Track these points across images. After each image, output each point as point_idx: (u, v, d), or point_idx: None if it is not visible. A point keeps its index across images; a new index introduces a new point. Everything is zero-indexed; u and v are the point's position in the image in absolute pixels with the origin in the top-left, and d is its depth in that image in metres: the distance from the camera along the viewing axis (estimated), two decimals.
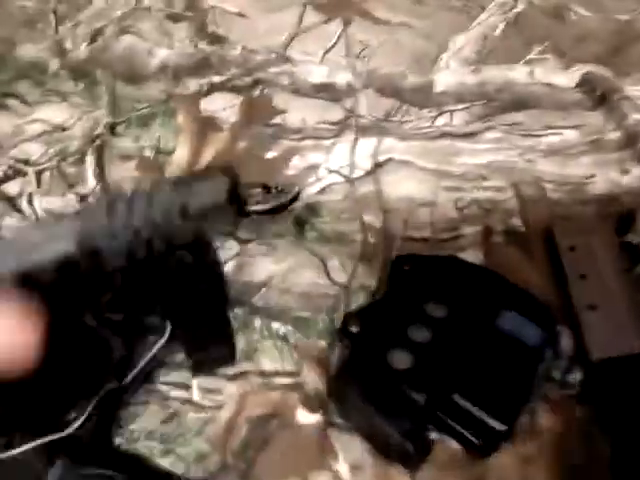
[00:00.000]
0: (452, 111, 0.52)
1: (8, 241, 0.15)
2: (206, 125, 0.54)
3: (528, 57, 0.59)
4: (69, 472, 0.31)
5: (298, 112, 0.54)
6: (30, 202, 0.47)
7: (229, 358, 0.37)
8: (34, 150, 0.51)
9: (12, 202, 0.47)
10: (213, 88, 0.58)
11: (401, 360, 0.34)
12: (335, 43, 0.61)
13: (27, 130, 0.53)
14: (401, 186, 0.46)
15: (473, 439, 0.33)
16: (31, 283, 0.15)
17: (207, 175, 0.17)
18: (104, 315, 0.38)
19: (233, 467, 0.32)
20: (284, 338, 0.37)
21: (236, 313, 0.39)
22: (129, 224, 0.15)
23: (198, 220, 0.16)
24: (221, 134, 0.54)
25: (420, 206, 0.45)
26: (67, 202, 0.46)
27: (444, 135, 0.49)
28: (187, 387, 0.36)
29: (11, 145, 0.52)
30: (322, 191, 0.48)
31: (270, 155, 0.52)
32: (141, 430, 0.34)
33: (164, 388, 0.36)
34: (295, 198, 0.48)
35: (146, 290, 0.40)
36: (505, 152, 0.47)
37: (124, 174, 0.50)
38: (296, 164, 0.51)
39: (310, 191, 0.48)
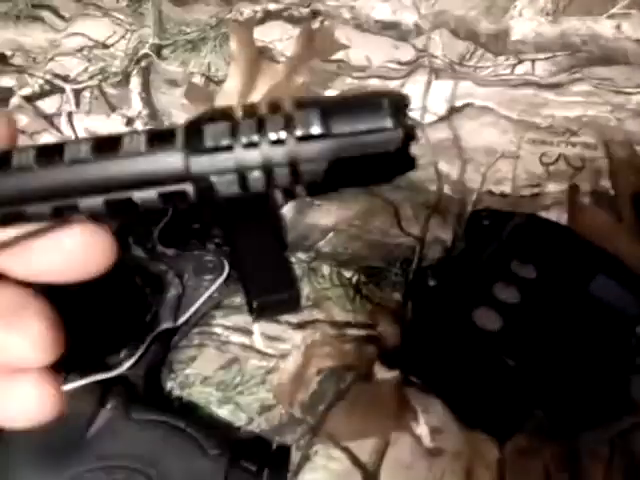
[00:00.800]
0: (533, 60, 0.48)
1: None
2: (260, 55, 0.49)
3: (611, 11, 0.54)
4: (120, 415, 0.28)
5: (362, 49, 0.49)
6: (70, 121, 0.42)
7: (292, 304, 0.33)
8: (72, 66, 0.46)
9: (50, 120, 0.43)
10: (268, 16, 0.52)
11: (489, 320, 0.31)
12: None
13: (64, 44, 0.48)
14: (481, 134, 0.42)
15: (561, 415, 0.30)
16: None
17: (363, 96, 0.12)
18: (156, 249, 0.34)
19: (301, 421, 0.29)
20: (356, 287, 0.34)
21: (299, 257, 0.36)
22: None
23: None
24: (276, 66, 0.49)
25: (501, 158, 0.40)
26: (112, 124, 0.42)
27: (527, 84, 0.45)
28: (248, 332, 0.33)
29: (47, 59, 0.47)
30: None
31: (329, 93, 0.48)
32: (196, 375, 0.31)
33: (222, 332, 0.33)
34: None
35: (200, 223, 0.36)
36: (596, 107, 0.43)
37: (171, 100, 0.45)
38: None
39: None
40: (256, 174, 0.12)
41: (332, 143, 0.12)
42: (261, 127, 0.12)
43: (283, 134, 0.12)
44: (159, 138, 0.12)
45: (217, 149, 0.12)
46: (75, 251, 0.14)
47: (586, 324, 0.32)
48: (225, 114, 0.12)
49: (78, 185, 0.12)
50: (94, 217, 0.13)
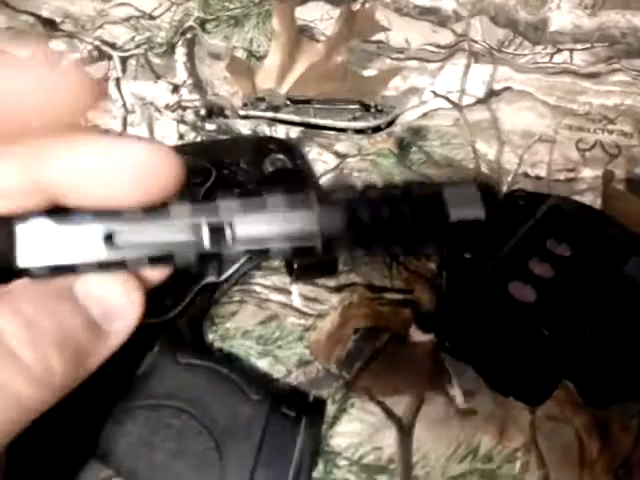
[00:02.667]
0: (571, 50, 0.48)
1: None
2: (301, 34, 0.50)
3: None
4: (167, 357, 0.29)
5: (402, 31, 0.50)
6: (118, 86, 0.43)
7: (330, 268, 0.34)
8: (119, 34, 0.48)
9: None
10: None
11: (524, 293, 0.32)
12: None
13: (112, 13, 0.49)
14: (518, 118, 0.42)
15: (591, 389, 0.31)
16: None
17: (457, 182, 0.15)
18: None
19: (337, 377, 0.30)
20: (393, 254, 0.34)
21: None
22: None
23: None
24: (316, 45, 0.50)
25: (538, 142, 0.41)
26: (159, 90, 0.43)
27: (566, 72, 0.45)
28: (286, 292, 0.34)
29: (95, 27, 0.48)
30: (425, 115, 0.45)
31: (368, 73, 0.48)
32: (236, 329, 0.32)
33: (262, 290, 0.34)
34: (394, 120, 0.45)
35: (241, 188, 0.37)
36: (633, 97, 0.43)
37: (214, 72, 0.46)
38: (396, 85, 0.47)
39: (412, 114, 0.45)
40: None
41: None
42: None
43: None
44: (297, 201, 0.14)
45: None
46: (140, 167, 0.13)
47: (619, 301, 0.33)
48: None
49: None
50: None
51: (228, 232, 0.14)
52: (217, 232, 0.14)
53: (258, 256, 0.14)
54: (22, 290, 0.14)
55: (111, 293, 0.15)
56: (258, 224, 0.14)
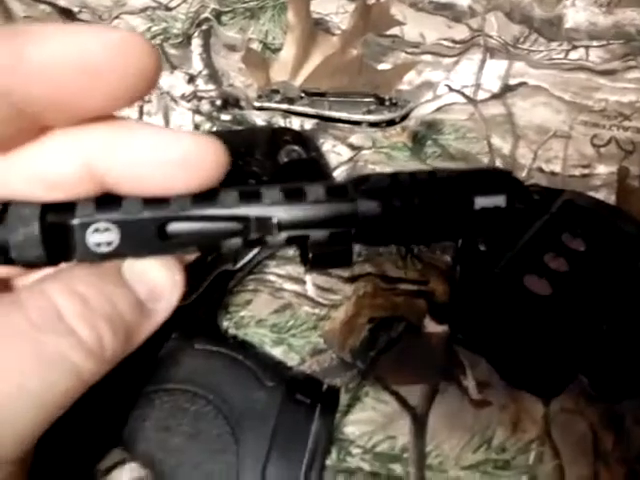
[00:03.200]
0: (587, 47, 0.48)
1: None
2: (316, 27, 0.50)
3: None
4: (184, 344, 0.29)
5: (417, 26, 0.50)
6: None
7: (345, 258, 0.34)
8: (136, 25, 0.48)
9: None
10: None
11: (539, 286, 0.32)
12: None
13: (129, 3, 0.49)
14: (534, 113, 0.42)
15: (605, 383, 0.31)
16: None
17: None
18: None
19: (351, 366, 0.30)
20: (419, 242, 0.34)
21: None
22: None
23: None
24: (331, 38, 0.50)
25: (553, 137, 0.41)
26: (175, 80, 0.43)
27: (581, 69, 0.45)
28: (301, 281, 0.34)
29: (112, 17, 0.48)
30: (440, 109, 0.45)
31: (383, 67, 0.48)
32: (251, 317, 0.32)
33: (276, 280, 0.34)
34: (408, 114, 0.45)
35: (257, 180, 0.37)
36: None
37: (230, 63, 0.47)
38: (411, 79, 0.47)
39: (426, 108, 0.45)
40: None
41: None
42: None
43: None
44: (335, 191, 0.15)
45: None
46: (186, 158, 0.14)
47: (634, 296, 0.33)
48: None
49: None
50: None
51: (274, 220, 0.14)
52: (263, 220, 0.14)
53: (298, 243, 0.15)
54: (76, 270, 0.14)
55: (156, 275, 0.15)
56: (299, 212, 0.14)
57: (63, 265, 0.14)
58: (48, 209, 0.14)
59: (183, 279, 0.16)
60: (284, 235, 0.15)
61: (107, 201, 0.14)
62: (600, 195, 0.40)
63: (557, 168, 0.41)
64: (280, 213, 0.14)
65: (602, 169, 0.41)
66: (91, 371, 0.14)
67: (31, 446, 0.14)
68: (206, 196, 0.14)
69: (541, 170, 0.41)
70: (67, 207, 0.14)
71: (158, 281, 0.15)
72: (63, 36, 0.12)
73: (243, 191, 0.14)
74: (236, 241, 0.14)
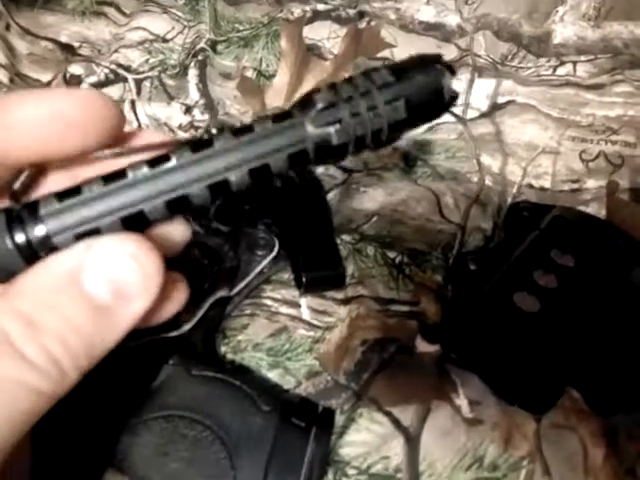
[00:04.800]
0: (574, 62, 0.49)
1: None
2: (309, 53, 0.52)
3: None
4: (181, 370, 0.30)
5: (407, 48, 0.51)
6: (133, 108, 0.45)
7: (338, 280, 0.35)
8: (134, 58, 0.50)
9: None
10: (317, 16, 0.55)
11: (528, 303, 0.32)
12: None
13: (127, 37, 0.51)
14: (522, 130, 0.43)
15: (598, 398, 0.31)
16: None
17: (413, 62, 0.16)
18: (212, 226, 0.37)
19: (346, 388, 0.31)
20: (399, 267, 0.35)
21: (344, 239, 0.38)
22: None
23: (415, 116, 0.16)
24: (324, 63, 0.51)
25: (542, 153, 0.42)
26: (172, 111, 0.44)
27: (569, 84, 0.46)
28: (296, 305, 0.35)
29: (111, 51, 0.50)
30: (430, 129, 0.46)
31: None
32: (248, 341, 0.33)
33: (272, 304, 0.35)
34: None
35: (252, 203, 0.38)
36: (636, 107, 0.44)
37: (225, 92, 0.48)
38: None
39: (418, 128, 0.46)
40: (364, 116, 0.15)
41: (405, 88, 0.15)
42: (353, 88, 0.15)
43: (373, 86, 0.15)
44: (281, 117, 0.15)
45: (326, 108, 0.15)
46: (75, 115, 0.14)
47: (624, 310, 0.33)
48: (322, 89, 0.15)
49: (228, 163, 0.15)
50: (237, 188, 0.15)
51: (232, 177, 0.14)
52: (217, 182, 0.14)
53: (260, 176, 0.15)
54: (21, 288, 0.14)
55: (122, 272, 0.14)
56: (252, 148, 0.15)
57: (12, 282, 0.14)
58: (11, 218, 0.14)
59: (159, 271, 0.14)
60: (244, 169, 0.14)
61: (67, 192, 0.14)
62: (590, 209, 0.40)
63: (547, 184, 0.41)
64: (233, 152, 0.14)
65: (591, 183, 0.41)
66: (52, 389, 0.14)
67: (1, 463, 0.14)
68: (161, 160, 0.14)
69: (531, 186, 0.41)
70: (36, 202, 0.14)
71: (125, 279, 0.14)
72: (37, 99, 0.14)
73: (196, 142, 0.15)
74: (203, 195, 0.14)
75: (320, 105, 0.15)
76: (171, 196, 0.14)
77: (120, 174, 0.14)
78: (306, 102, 0.15)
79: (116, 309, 0.14)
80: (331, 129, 0.15)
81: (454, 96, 0.16)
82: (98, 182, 0.14)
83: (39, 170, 0.15)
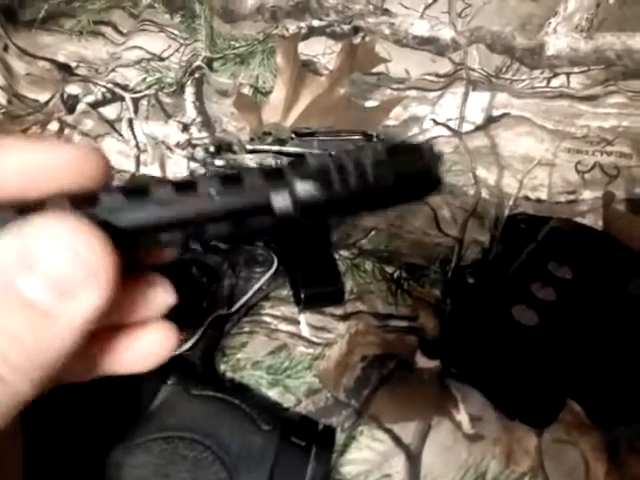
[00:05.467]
0: (568, 74, 0.49)
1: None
2: (304, 69, 0.52)
3: None
4: (180, 390, 0.30)
5: (402, 62, 0.52)
6: (131, 127, 0.45)
7: (337, 296, 0.35)
8: (131, 76, 0.50)
9: (111, 125, 0.46)
10: (312, 32, 0.56)
11: (527, 316, 0.32)
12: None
13: (123, 56, 0.52)
14: (517, 143, 0.43)
15: (599, 411, 0.31)
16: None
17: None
18: (210, 243, 0.37)
19: (346, 405, 0.31)
20: (397, 282, 0.35)
21: (342, 254, 0.38)
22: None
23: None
24: (319, 79, 0.52)
25: (537, 165, 0.42)
26: (170, 129, 0.45)
27: (563, 96, 0.46)
28: (295, 322, 0.35)
29: (108, 70, 0.51)
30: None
31: (370, 104, 0.50)
32: (247, 359, 0.33)
33: (271, 321, 0.35)
34: None
35: None
36: (631, 118, 0.44)
37: (222, 109, 0.48)
38: (398, 114, 0.48)
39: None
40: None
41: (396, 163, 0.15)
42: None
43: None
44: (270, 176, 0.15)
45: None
46: (69, 161, 0.14)
47: (623, 321, 0.33)
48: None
49: (208, 214, 0.14)
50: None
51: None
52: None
53: (238, 235, 0.15)
54: None
55: (62, 265, 0.12)
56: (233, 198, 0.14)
57: None
58: None
59: (107, 259, 0.12)
60: (224, 226, 0.14)
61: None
62: (587, 220, 0.40)
63: (543, 196, 0.42)
64: (215, 205, 0.14)
65: (587, 195, 0.41)
66: (2, 406, 0.12)
67: None
68: (139, 192, 0.14)
69: (527, 198, 0.41)
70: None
71: (64, 275, 0.12)
72: (28, 152, 0.14)
73: (179, 183, 0.14)
74: (176, 236, 0.14)
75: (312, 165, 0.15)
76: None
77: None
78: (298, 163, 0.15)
79: (59, 312, 0.12)
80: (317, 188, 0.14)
81: (439, 181, 0.16)
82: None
83: None
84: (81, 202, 0.13)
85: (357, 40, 0.54)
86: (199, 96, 0.49)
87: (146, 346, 0.16)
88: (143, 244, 0.14)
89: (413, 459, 0.29)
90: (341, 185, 0.15)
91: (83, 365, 0.16)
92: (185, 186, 0.14)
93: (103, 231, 0.13)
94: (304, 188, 0.14)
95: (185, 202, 0.14)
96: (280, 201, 0.14)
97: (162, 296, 0.16)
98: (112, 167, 0.15)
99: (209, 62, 0.52)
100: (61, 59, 0.52)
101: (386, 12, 0.58)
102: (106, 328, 0.16)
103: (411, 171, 0.15)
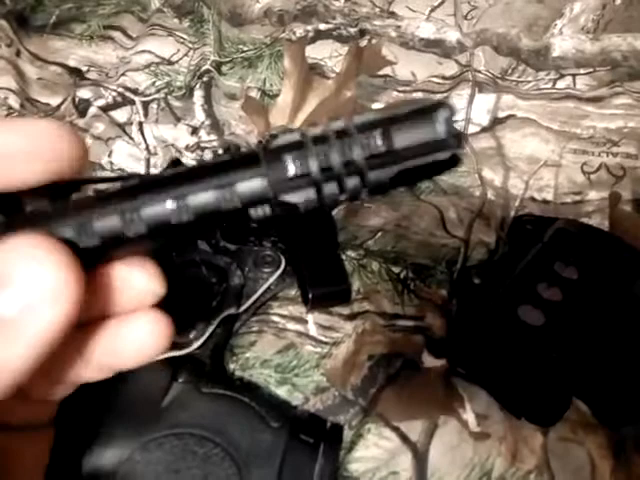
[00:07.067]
0: (573, 75, 0.50)
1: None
2: (312, 72, 0.53)
3: None
4: (191, 388, 0.30)
5: (408, 65, 0.52)
6: (141, 130, 0.46)
7: (344, 296, 0.36)
8: (141, 80, 0.51)
9: (122, 128, 0.47)
10: (319, 35, 0.56)
11: (533, 317, 0.33)
12: (442, 1, 0.58)
13: (133, 60, 0.52)
14: (523, 144, 0.44)
15: (605, 410, 0.31)
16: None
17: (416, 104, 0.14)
18: (219, 244, 0.38)
19: (353, 403, 0.31)
20: (404, 282, 0.36)
21: (349, 255, 0.38)
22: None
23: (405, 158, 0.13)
24: (326, 82, 0.52)
25: (543, 167, 0.42)
26: (179, 133, 0.45)
27: (568, 97, 0.47)
28: (303, 321, 0.35)
29: (118, 74, 0.51)
30: None
31: (376, 106, 0.50)
32: (256, 358, 0.34)
33: (279, 320, 0.35)
34: None
35: (258, 223, 0.39)
36: (637, 119, 0.44)
37: (230, 112, 0.49)
38: None
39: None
40: (332, 188, 0.13)
41: (395, 158, 0.13)
42: (332, 151, 0.13)
43: (354, 155, 0.13)
44: (244, 163, 0.13)
45: (298, 176, 0.13)
46: (41, 140, 0.13)
47: (629, 321, 0.33)
48: (299, 141, 0.13)
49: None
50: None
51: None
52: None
53: (208, 225, 0.14)
54: None
55: (24, 275, 0.12)
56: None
57: None
58: None
59: (76, 278, 0.12)
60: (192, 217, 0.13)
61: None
62: (593, 221, 0.40)
63: (549, 196, 0.42)
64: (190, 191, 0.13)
65: (593, 195, 0.42)
66: None
67: None
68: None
69: (533, 199, 0.42)
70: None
71: (32, 291, 0.12)
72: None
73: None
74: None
75: (290, 172, 0.13)
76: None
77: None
78: (275, 159, 0.13)
79: (22, 322, 0.12)
80: (294, 198, 0.13)
81: (457, 160, 0.13)
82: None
83: None
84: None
85: (364, 43, 0.54)
86: (208, 99, 0.49)
87: (134, 338, 0.15)
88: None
89: (420, 457, 0.30)
90: (330, 194, 0.13)
91: (82, 360, 0.16)
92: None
93: (68, 247, 0.13)
94: (287, 199, 0.13)
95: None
96: (258, 211, 0.13)
97: (146, 285, 0.15)
98: (86, 148, 0.15)
99: (217, 66, 0.52)
100: (72, 63, 0.53)
101: (392, 15, 0.58)
102: (95, 321, 0.16)
103: (420, 163, 0.13)
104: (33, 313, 0.12)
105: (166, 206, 0.13)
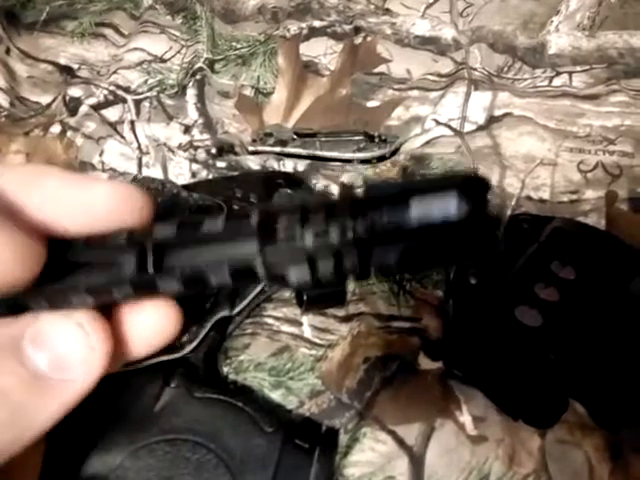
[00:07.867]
0: (570, 73, 0.49)
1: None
2: (306, 69, 0.52)
3: None
4: (183, 393, 0.30)
5: (403, 62, 0.52)
6: (133, 129, 0.46)
7: (339, 298, 0.35)
8: (133, 78, 0.50)
9: (114, 127, 0.46)
10: (313, 33, 0.56)
11: (530, 317, 0.32)
12: None
13: (125, 58, 0.52)
14: (519, 142, 0.43)
15: (603, 412, 0.31)
16: None
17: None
18: None
19: (349, 406, 0.31)
20: (400, 283, 0.35)
21: None
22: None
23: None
24: (321, 79, 0.51)
25: (540, 165, 0.42)
26: (171, 131, 0.45)
27: (565, 95, 0.46)
28: (297, 323, 0.35)
29: (110, 72, 0.51)
30: (428, 143, 0.46)
31: (371, 104, 0.50)
32: (250, 361, 0.33)
33: (274, 322, 0.35)
34: (397, 149, 0.46)
35: None
36: (633, 117, 0.44)
37: (224, 110, 0.48)
38: (399, 114, 0.48)
39: (415, 143, 0.46)
40: (327, 263, 0.13)
41: (403, 235, 0.12)
42: (332, 219, 0.12)
43: (353, 227, 0.12)
44: (237, 225, 0.13)
45: (289, 240, 0.12)
46: (105, 201, 0.14)
47: (627, 321, 0.33)
48: (297, 207, 0.13)
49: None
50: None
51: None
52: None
53: (194, 285, 0.13)
54: None
55: (63, 339, 0.13)
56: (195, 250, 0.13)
57: None
58: None
59: (107, 344, 0.14)
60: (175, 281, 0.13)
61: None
62: (589, 220, 0.40)
63: (545, 195, 0.41)
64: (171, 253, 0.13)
65: (590, 194, 0.41)
66: None
67: None
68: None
69: (530, 198, 0.41)
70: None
71: (65, 347, 0.13)
72: (72, 188, 0.14)
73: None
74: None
75: (281, 236, 0.12)
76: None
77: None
78: (267, 224, 0.13)
79: (55, 382, 0.13)
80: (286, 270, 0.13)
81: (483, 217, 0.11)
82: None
83: None
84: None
85: (358, 40, 0.54)
86: (201, 98, 0.49)
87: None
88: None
89: (416, 460, 0.29)
90: (328, 274, 0.13)
91: None
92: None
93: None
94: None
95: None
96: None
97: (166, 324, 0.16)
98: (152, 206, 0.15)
99: (210, 63, 0.52)
100: (63, 61, 0.52)
101: (387, 12, 0.58)
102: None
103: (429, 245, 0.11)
104: (67, 375, 0.13)
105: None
